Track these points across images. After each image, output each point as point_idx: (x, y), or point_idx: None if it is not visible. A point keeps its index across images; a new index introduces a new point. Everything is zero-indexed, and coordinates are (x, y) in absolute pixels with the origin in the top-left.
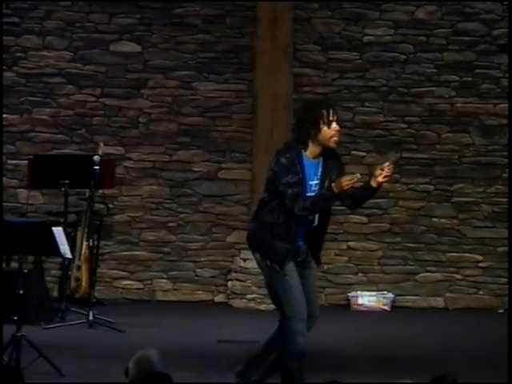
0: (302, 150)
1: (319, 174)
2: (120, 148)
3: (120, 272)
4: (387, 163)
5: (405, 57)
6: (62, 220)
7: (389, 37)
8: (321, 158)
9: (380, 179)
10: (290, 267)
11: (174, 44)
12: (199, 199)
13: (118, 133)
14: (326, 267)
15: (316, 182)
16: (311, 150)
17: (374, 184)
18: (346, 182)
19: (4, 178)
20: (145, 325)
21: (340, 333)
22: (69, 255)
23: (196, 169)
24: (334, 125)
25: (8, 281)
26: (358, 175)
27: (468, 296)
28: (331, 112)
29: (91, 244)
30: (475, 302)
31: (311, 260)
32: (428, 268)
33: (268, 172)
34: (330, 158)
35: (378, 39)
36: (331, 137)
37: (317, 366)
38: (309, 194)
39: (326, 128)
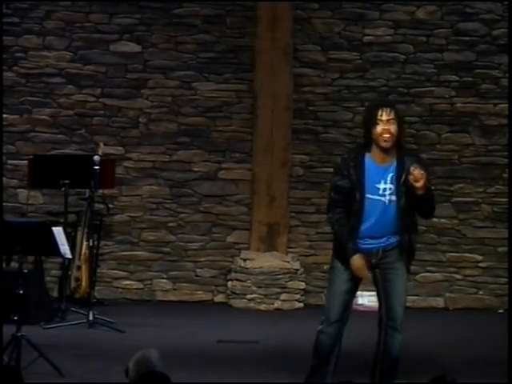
0: (367, 153)
1: (389, 178)
2: (120, 148)
3: (120, 272)
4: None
5: (405, 57)
6: (62, 220)
7: (389, 37)
8: (394, 163)
9: (416, 185)
10: (342, 268)
11: (174, 44)
12: (199, 199)
13: (118, 133)
14: (325, 267)
15: (386, 186)
16: (376, 153)
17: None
18: (417, 175)
19: (4, 178)
20: (145, 325)
21: None
22: (69, 255)
23: (196, 169)
24: (382, 123)
25: (8, 281)
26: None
27: (468, 296)
28: (381, 112)
29: (91, 244)
30: (475, 302)
31: (399, 263)
32: (428, 268)
33: None
34: (408, 161)
35: (378, 39)
36: (379, 135)
37: None
38: (373, 197)
39: (374, 127)
